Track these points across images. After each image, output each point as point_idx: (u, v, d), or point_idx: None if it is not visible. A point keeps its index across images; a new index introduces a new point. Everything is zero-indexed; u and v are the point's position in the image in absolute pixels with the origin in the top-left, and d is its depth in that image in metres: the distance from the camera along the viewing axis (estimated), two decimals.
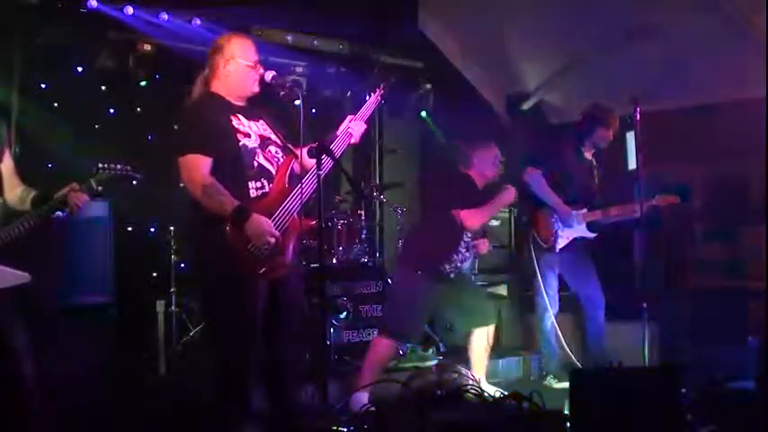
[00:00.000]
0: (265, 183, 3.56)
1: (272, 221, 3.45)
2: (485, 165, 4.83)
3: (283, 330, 3.64)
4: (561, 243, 5.31)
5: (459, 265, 4.73)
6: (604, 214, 5.26)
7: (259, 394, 3.62)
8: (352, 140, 3.82)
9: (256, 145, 3.57)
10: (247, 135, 3.57)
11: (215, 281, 3.53)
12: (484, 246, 4.90)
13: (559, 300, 5.41)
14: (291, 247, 3.54)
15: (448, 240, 4.70)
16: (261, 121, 3.68)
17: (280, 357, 3.67)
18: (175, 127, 3.86)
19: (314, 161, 3.50)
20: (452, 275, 4.71)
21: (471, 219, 4.68)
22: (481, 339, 4.88)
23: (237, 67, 3.59)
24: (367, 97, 3.99)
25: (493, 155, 4.86)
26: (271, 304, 3.56)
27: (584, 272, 5.38)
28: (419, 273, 4.65)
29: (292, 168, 3.60)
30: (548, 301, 5.31)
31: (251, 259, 3.40)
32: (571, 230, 5.31)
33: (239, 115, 3.60)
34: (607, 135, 5.32)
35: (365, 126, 3.88)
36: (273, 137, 3.68)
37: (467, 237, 4.74)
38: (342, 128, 3.84)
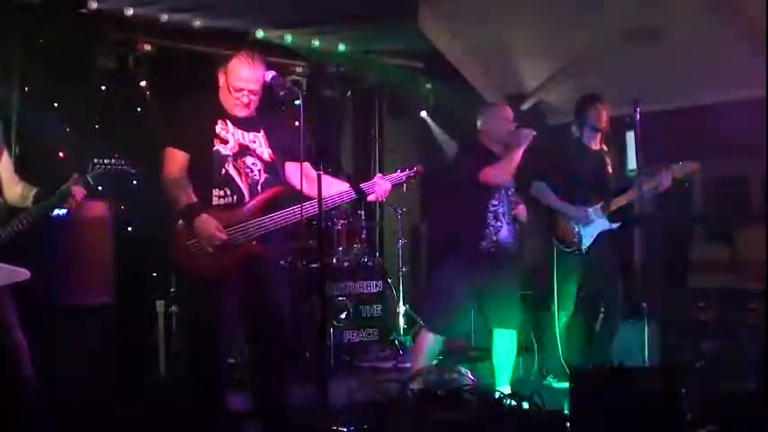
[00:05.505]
0: (228, 191, 3.55)
1: (226, 230, 3.46)
2: (495, 125, 4.63)
3: (265, 331, 3.63)
4: (587, 242, 5.09)
5: (495, 237, 4.54)
6: (627, 197, 5.00)
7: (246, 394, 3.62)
8: (372, 197, 3.77)
9: (230, 153, 3.57)
10: (225, 141, 3.57)
11: (180, 278, 3.53)
12: (522, 210, 4.70)
13: (575, 302, 5.22)
14: (241, 258, 3.51)
15: (472, 214, 4.54)
16: (260, 133, 3.66)
17: (263, 357, 3.66)
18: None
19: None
20: (492, 249, 4.54)
21: (490, 174, 4.47)
22: (503, 342, 4.67)
23: (225, 85, 3.59)
24: (401, 171, 3.87)
25: (504, 113, 4.67)
26: (246, 305, 3.56)
27: (607, 271, 5.14)
28: (453, 262, 4.53)
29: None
30: (564, 302, 5.18)
31: (191, 255, 3.45)
32: (592, 227, 5.09)
33: (228, 121, 3.60)
34: (598, 117, 5.09)
35: (389, 186, 3.80)
36: (261, 150, 3.64)
37: (492, 205, 4.55)
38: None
